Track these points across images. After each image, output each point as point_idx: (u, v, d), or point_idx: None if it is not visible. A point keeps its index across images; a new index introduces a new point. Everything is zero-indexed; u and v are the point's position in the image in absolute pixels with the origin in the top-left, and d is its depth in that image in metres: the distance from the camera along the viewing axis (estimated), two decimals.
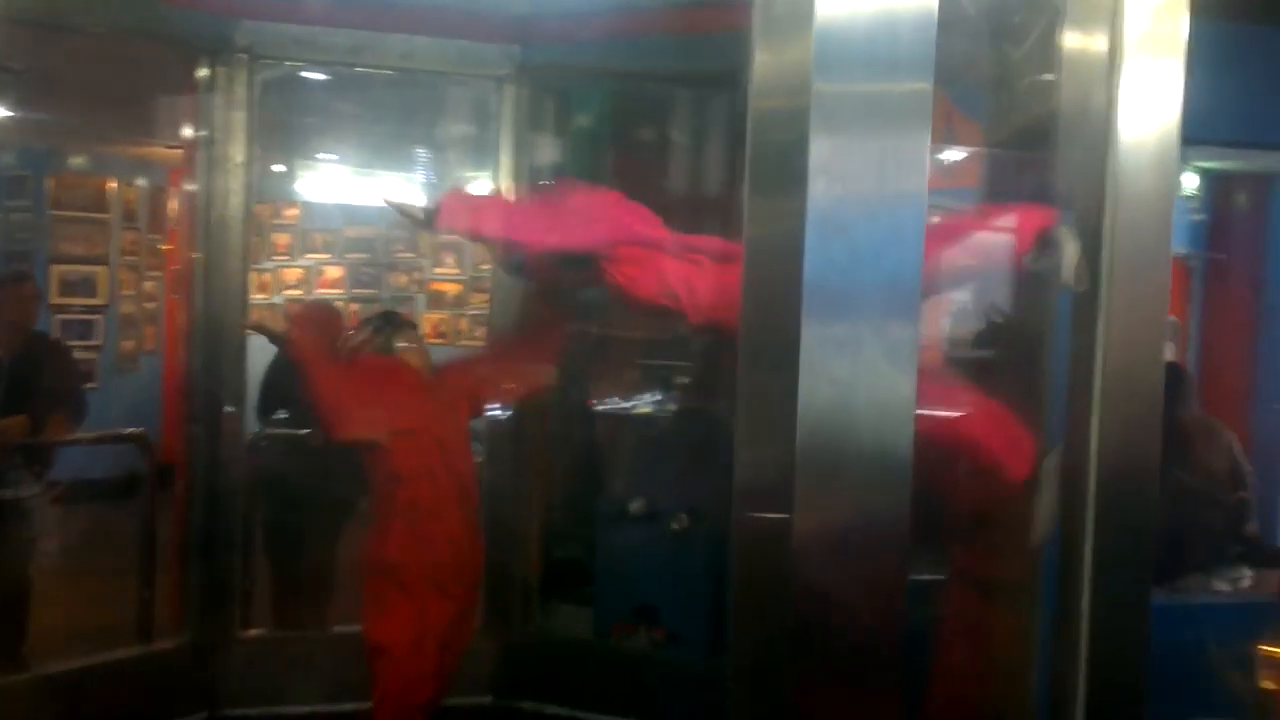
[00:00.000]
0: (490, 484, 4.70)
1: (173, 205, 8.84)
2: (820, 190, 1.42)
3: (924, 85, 1.47)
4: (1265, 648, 2.74)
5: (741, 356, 1.52)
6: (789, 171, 1.44)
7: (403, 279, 9.20)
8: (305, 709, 3.85)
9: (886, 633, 1.44)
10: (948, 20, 1.49)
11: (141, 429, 4.85)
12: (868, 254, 1.44)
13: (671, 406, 5.22)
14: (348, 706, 4.31)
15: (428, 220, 3.37)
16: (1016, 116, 3.13)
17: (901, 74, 1.45)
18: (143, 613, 4.28)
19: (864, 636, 1.43)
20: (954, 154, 3.66)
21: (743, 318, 1.52)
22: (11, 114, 5.63)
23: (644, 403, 5.38)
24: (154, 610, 4.31)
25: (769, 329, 1.48)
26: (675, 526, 4.50)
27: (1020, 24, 2.75)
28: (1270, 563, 3.98)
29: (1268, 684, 2.70)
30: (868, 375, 1.44)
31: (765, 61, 1.49)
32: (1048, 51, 2.79)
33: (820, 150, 1.41)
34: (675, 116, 5.55)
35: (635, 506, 4.61)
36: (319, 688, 4.06)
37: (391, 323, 4.02)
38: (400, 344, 3.88)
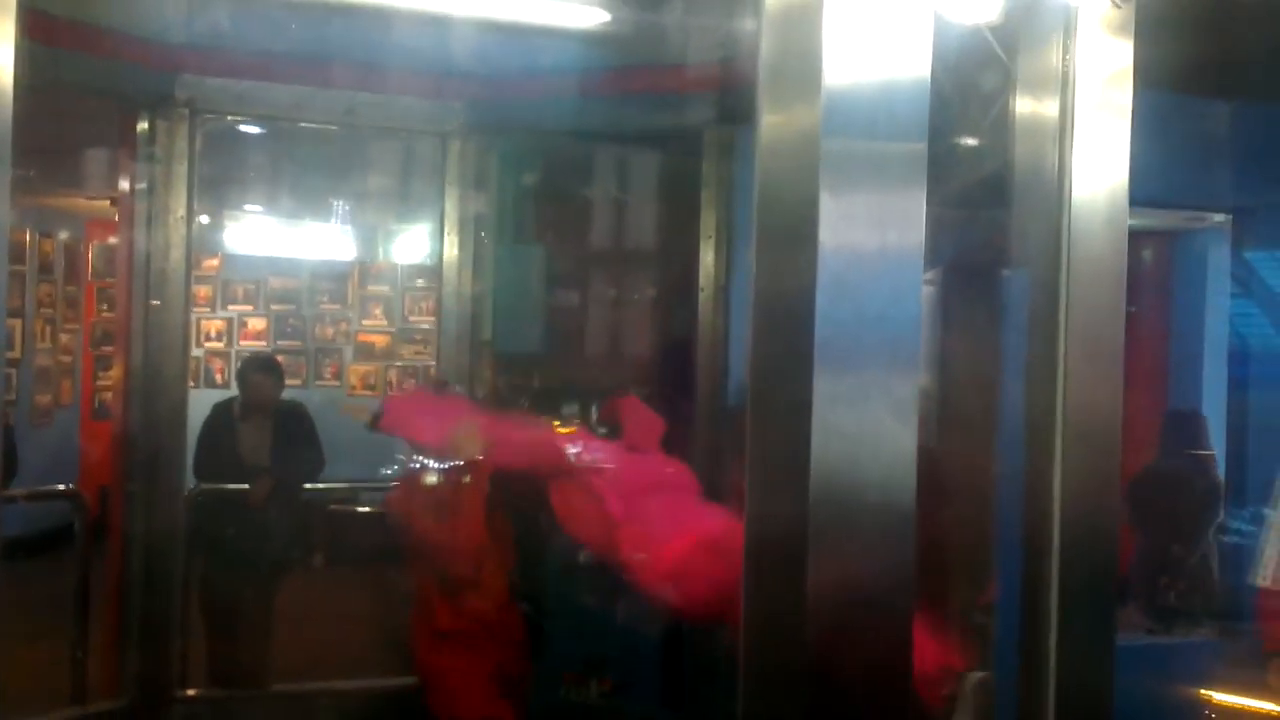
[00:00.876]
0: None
1: (89, 258, 8.66)
2: (830, 248, 1.48)
3: (920, 145, 1.55)
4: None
5: (751, 409, 1.57)
6: (797, 228, 1.50)
7: (329, 330, 9.12)
8: None
9: (897, 676, 1.49)
10: None
11: (73, 486, 4.70)
12: (873, 310, 1.51)
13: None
14: None
15: (373, 421, 3.60)
16: (961, 174, 3.29)
17: (900, 135, 1.54)
18: (77, 674, 4.13)
19: (877, 680, 1.49)
20: None
21: (752, 372, 1.58)
22: None
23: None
24: (88, 671, 4.17)
25: (780, 385, 1.54)
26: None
27: (970, 87, 2.90)
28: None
29: None
30: (873, 430, 1.51)
31: (773, 122, 1.55)
32: (993, 113, 2.95)
33: (829, 208, 1.48)
34: (613, 172, 5.66)
35: (584, 557, 4.61)
36: None
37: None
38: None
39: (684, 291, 4.77)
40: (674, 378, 4.85)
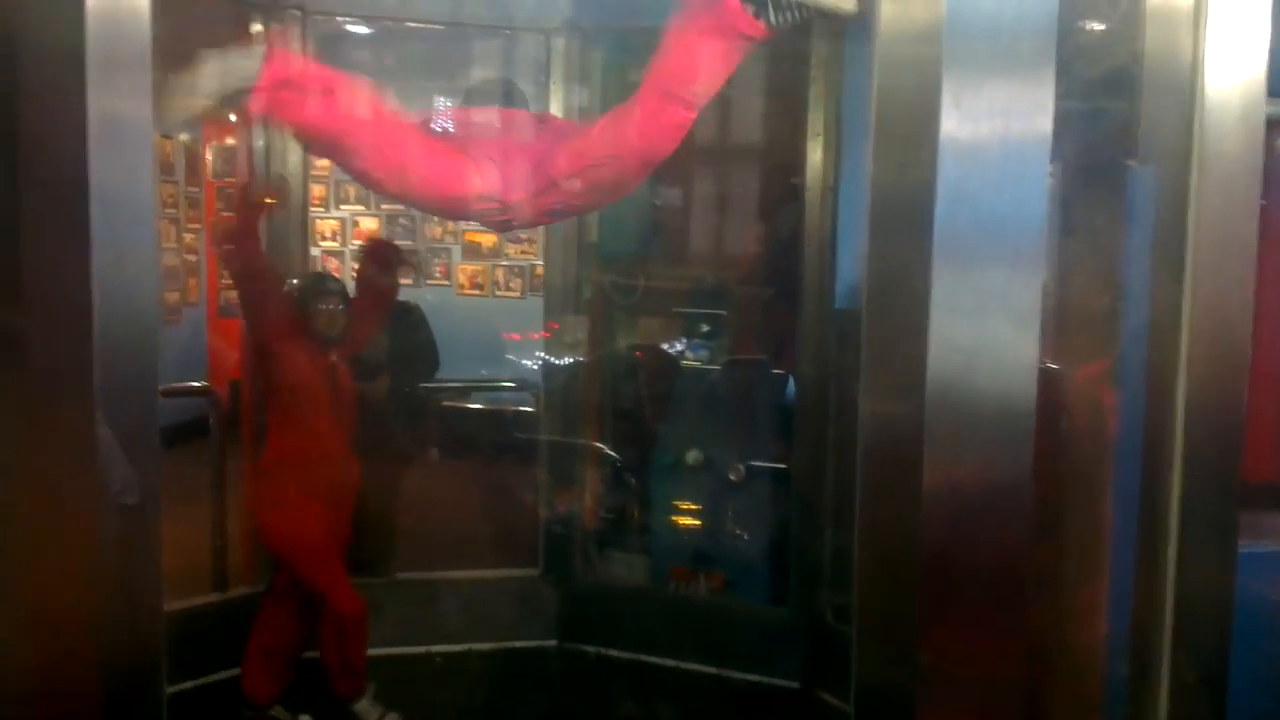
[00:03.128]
0: (546, 434, 4.81)
1: (208, 159, 8.91)
2: (951, 147, 1.45)
3: (1049, 37, 1.49)
4: None
5: (866, 312, 1.57)
6: (917, 125, 1.47)
7: (438, 230, 9.26)
8: (374, 652, 3.98)
9: (1012, 583, 1.51)
10: None
11: (205, 382, 4.93)
12: (994, 214, 1.48)
13: (718, 357, 5.28)
14: (417, 649, 4.47)
15: None
16: (1086, 66, 3.15)
17: (1028, 26, 1.48)
18: (217, 562, 4.40)
19: (990, 588, 1.51)
20: None
21: (868, 274, 1.57)
22: None
23: (688, 352, 5.44)
24: (227, 559, 4.43)
25: (896, 288, 1.53)
26: (733, 477, 4.59)
27: None
28: None
29: None
30: (992, 340, 1.50)
31: (893, 14, 1.51)
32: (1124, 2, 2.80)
33: (951, 105, 1.44)
34: None
35: (692, 457, 4.69)
36: (383, 632, 4.18)
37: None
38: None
39: (790, 191, 4.70)
40: (780, 278, 4.82)
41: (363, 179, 3.19)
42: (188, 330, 8.40)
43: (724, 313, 5.20)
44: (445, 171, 2.97)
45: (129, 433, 1.27)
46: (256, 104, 2.76)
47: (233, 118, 4.62)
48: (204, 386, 4.84)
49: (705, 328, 5.28)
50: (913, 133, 1.48)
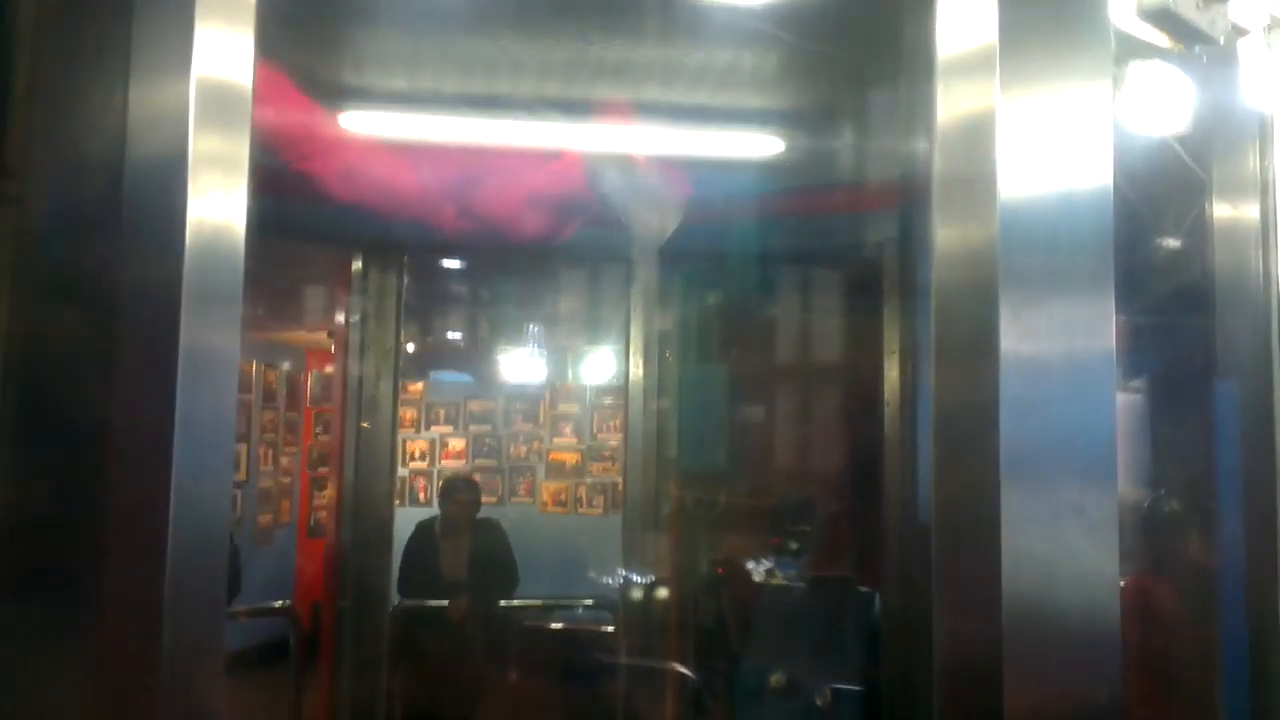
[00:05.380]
0: (625, 653, 4.69)
1: (308, 386, 9.32)
2: (1012, 362, 1.46)
3: (1105, 257, 1.52)
4: None
5: (936, 528, 1.55)
6: (976, 343, 1.49)
7: (522, 449, 9.44)
8: None
9: None
10: None
11: (288, 602, 4.97)
12: (1062, 426, 1.47)
13: (802, 574, 5.16)
14: None
15: None
16: (1158, 283, 3.17)
17: (1083, 247, 1.51)
18: None
19: None
20: None
21: (936, 490, 1.56)
22: None
23: (770, 571, 5.34)
24: None
25: (965, 505, 1.51)
26: (819, 702, 4.38)
27: (1162, 195, 2.81)
28: None
29: None
30: (1069, 553, 1.46)
31: (948, 237, 1.56)
32: (1188, 221, 2.84)
33: (1009, 323, 1.46)
34: (794, 289, 5.70)
35: (775, 679, 4.51)
36: None
37: None
38: None
39: (869, 407, 4.71)
40: (861, 494, 4.76)
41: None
42: (278, 551, 8.54)
43: (807, 528, 5.13)
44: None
45: (193, 652, 1.29)
46: None
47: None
48: (285, 606, 4.89)
49: (793, 544, 5.20)
50: (973, 350, 1.50)
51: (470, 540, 4.98)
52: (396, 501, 8.87)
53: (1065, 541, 1.46)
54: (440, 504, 5.24)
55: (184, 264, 1.32)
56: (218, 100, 1.37)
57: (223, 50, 1.38)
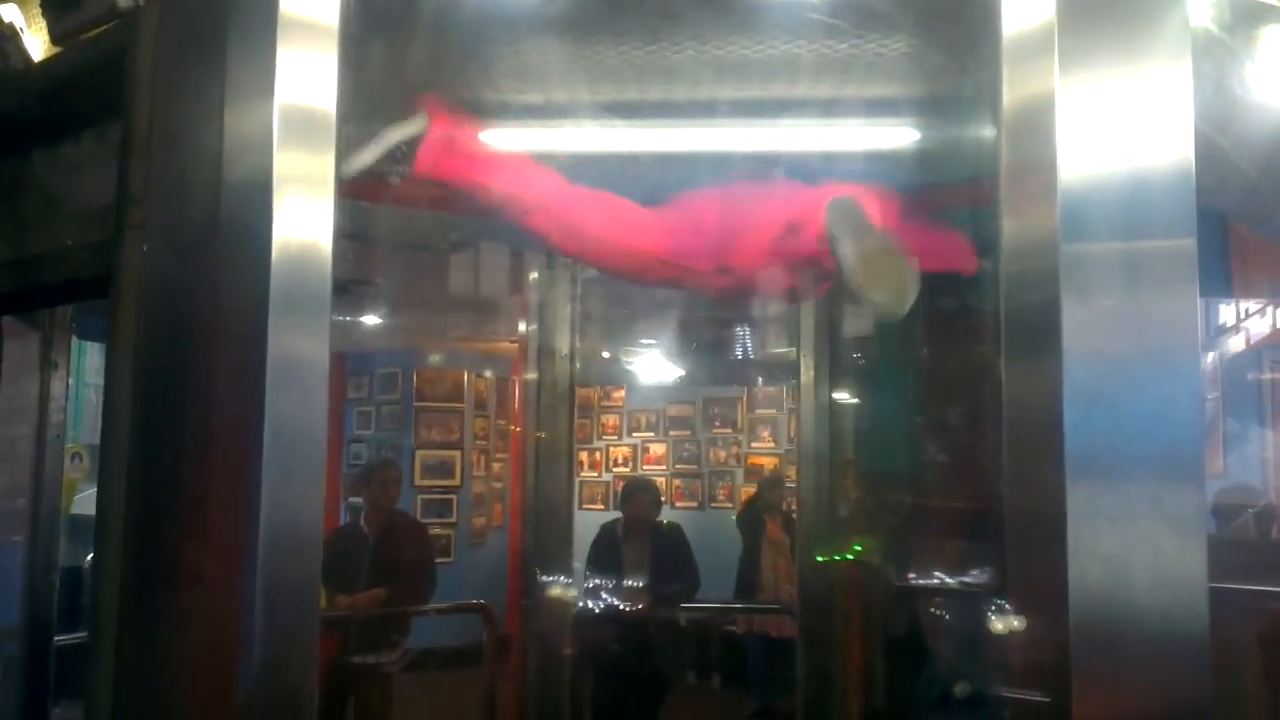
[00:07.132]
0: (806, 660, 4.66)
1: (518, 393, 9.74)
2: (1076, 355, 1.41)
3: (1186, 241, 1.44)
4: None
5: (1009, 527, 1.50)
6: (1042, 334, 1.44)
7: (721, 454, 9.51)
8: None
9: None
10: None
11: (484, 601, 5.22)
12: (1134, 419, 1.40)
13: (991, 581, 4.96)
14: None
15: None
16: None
17: (1157, 232, 1.44)
18: None
19: None
20: None
21: (1007, 485, 1.51)
22: (381, 321, 6.49)
23: (964, 579, 5.15)
24: None
25: (1033, 498, 1.46)
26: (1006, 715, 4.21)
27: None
28: None
29: None
30: (1147, 550, 1.38)
31: (1013, 226, 1.52)
32: None
33: (1072, 313, 1.41)
34: (960, 288, 5.48)
35: (959, 689, 4.36)
36: None
37: None
38: None
39: None
40: None
41: (539, 240, 3.09)
42: (491, 552, 8.95)
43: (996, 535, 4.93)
44: (627, 229, 2.74)
45: (285, 649, 1.41)
46: (423, 161, 2.54)
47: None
48: (478, 603, 5.12)
49: (985, 551, 5.01)
50: (1038, 342, 1.45)
51: (650, 542, 5.08)
52: (600, 506, 9.15)
53: (1141, 535, 1.38)
54: (621, 506, 5.38)
55: (269, 277, 1.46)
56: (300, 122, 1.51)
57: (306, 74, 1.52)
